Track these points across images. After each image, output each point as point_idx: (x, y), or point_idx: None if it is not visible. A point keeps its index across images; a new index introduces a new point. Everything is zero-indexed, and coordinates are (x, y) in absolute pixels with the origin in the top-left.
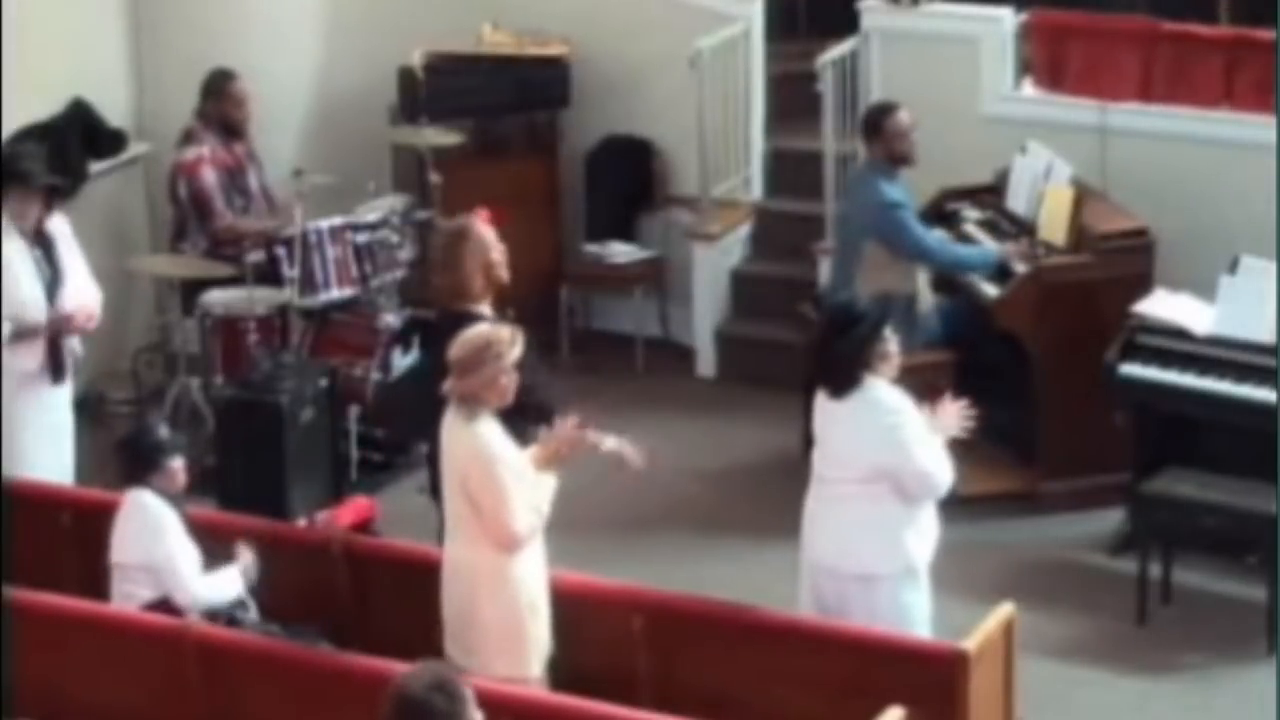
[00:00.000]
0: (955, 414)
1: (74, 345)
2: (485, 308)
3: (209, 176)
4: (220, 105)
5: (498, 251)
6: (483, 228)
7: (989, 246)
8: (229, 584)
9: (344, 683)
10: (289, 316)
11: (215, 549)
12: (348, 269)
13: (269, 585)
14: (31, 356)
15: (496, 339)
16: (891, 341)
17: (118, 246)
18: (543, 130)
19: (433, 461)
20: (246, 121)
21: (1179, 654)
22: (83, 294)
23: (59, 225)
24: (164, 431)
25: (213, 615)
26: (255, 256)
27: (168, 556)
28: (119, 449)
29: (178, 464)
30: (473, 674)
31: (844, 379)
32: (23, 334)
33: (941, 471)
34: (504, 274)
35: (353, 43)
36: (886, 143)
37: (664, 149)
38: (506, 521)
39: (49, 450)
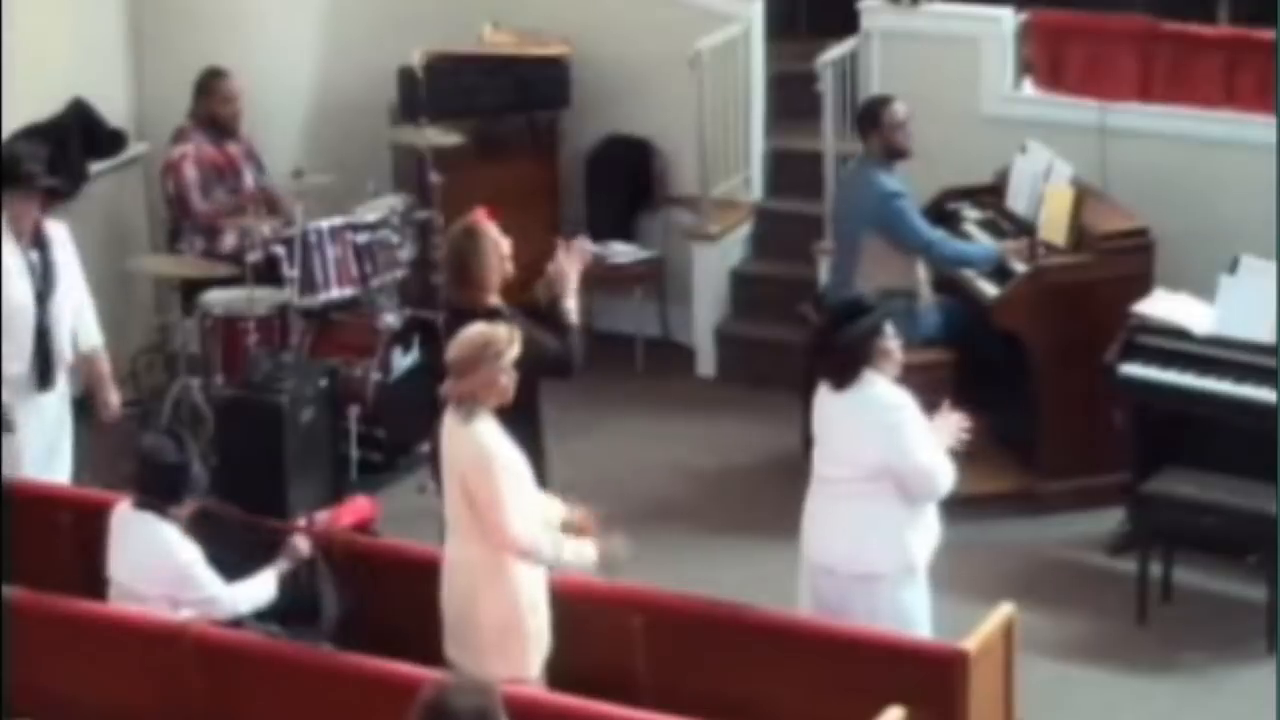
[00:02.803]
0: (954, 424)
1: (63, 351)
2: (498, 300)
3: (189, 173)
4: (209, 103)
5: (505, 243)
6: (488, 223)
7: (989, 244)
8: (266, 587)
9: (344, 683)
10: (289, 316)
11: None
12: (348, 269)
13: None
14: (19, 361)
15: (495, 338)
16: (894, 339)
17: (117, 247)
18: (543, 130)
19: (434, 458)
20: (236, 119)
21: (1179, 653)
22: (78, 306)
23: (57, 231)
24: (198, 467)
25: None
26: (254, 256)
27: (201, 588)
28: (151, 463)
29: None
30: (470, 673)
31: (844, 370)
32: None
33: (943, 472)
34: (510, 265)
35: (353, 43)
36: (884, 135)
37: (664, 149)
38: (502, 522)
39: (35, 456)
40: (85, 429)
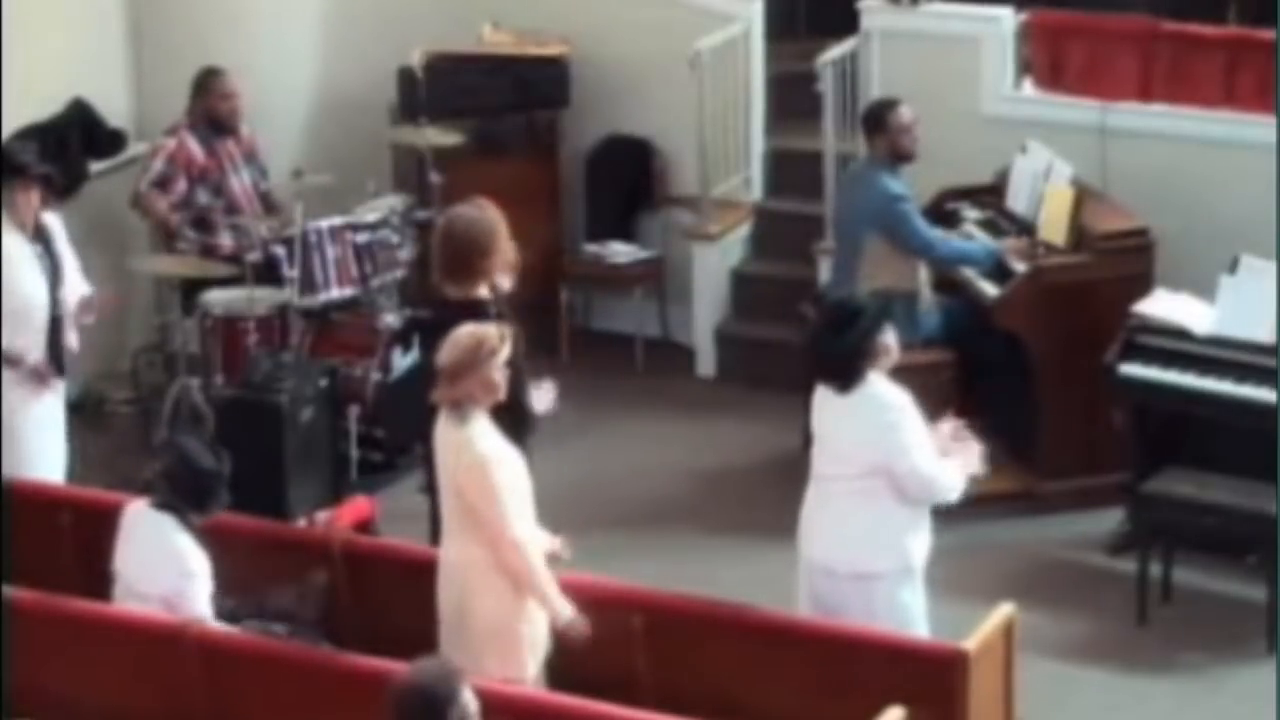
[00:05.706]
0: (974, 454)
1: (71, 342)
2: (487, 292)
3: (156, 164)
4: (207, 100)
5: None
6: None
7: (990, 242)
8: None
9: (344, 683)
10: (289, 316)
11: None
12: (348, 269)
13: (269, 585)
14: (35, 351)
15: (486, 336)
16: (889, 334)
17: (117, 246)
18: (543, 130)
19: (428, 461)
20: (234, 116)
21: (1179, 653)
22: (79, 289)
23: (52, 222)
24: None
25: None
26: (254, 256)
27: (194, 600)
28: (187, 465)
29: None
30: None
31: (848, 374)
32: (15, 358)
33: (943, 478)
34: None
35: (353, 42)
36: (890, 137)
37: (664, 149)
38: (502, 525)
39: (49, 443)
40: (85, 429)
